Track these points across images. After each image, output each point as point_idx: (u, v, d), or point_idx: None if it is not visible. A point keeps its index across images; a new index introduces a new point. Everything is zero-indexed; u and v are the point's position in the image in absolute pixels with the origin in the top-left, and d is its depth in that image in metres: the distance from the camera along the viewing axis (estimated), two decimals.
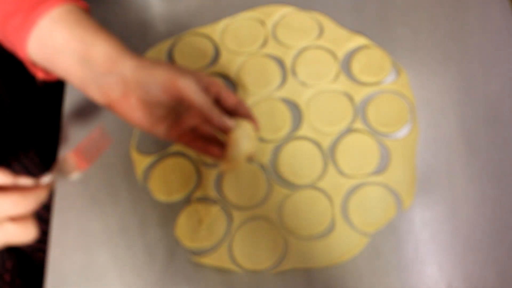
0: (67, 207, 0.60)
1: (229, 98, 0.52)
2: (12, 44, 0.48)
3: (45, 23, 0.46)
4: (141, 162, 0.61)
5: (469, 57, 0.65)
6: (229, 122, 0.49)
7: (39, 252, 0.76)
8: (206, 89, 0.50)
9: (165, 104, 0.49)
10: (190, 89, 0.47)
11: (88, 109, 0.65)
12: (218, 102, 0.52)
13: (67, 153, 0.43)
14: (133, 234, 0.58)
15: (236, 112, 0.52)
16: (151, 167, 0.61)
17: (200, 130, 0.53)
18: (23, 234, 0.38)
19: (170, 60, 0.67)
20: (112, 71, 0.47)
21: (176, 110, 0.50)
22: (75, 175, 0.43)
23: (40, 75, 0.51)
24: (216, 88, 0.51)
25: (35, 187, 0.39)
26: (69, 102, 0.65)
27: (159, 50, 0.68)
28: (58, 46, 0.46)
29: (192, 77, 0.48)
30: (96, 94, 0.48)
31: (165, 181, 0.60)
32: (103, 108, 0.64)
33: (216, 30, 0.68)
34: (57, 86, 0.65)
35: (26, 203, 0.38)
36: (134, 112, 0.48)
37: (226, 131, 0.49)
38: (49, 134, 0.70)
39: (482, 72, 0.64)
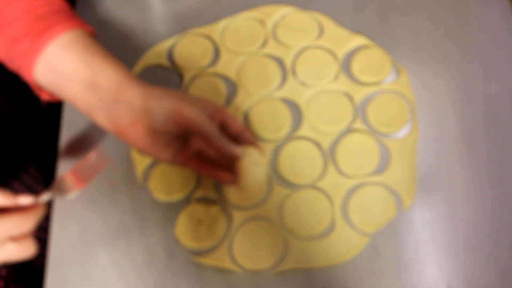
0: (67, 207, 0.60)
1: (234, 125, 0.52)
2: (18, 67, 0.49)
3: (53, 49, 0.47)
4: (141, 162, 0.61)
5: (469, 57, 0.65)
6: (236, 150, 0.50)
7: (39, 256, 0.76)
8: (211, 116, 0.50)
9: (172, 132, 0.50)
10: (197, 119, 0.48)
11: (87, 126, 0.65)
12: (223, 128, 0.52)
13: (65, 173, 0.45)
14: (133, 234, 0.58)
15: (240, 138, 0.52)
16: (151, 167, 0.61)
17: (206, 154, 0.53)
18: (23, 252, 0.40)
19: (170, 60, 0.67)
20: (120, 99, 0.47)
21: (182, 136, 0.51)
22: (72, 194, 0.45)
23: (45, 97, 0.51)
24: (221, 115, 0.52)
25: (34, 206, 0.40)
26: (67, 119, 0.65)
27: (159, 50, 0.68)
28: (66, 72, 0.47)
29: (198, 106, 0.49)
30: (104, 121, 0.49)
31: (165, 181, 0.60)
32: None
33: (216, 30, 0.68)
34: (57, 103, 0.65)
35: (26, 223, 0.39)
36: (142, 139, 0.49)
37: (233, 159, 0.50)
38: (48, 148, 0.70)
39: (482, 72, 0.64)
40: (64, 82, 0.47)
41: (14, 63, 0.49)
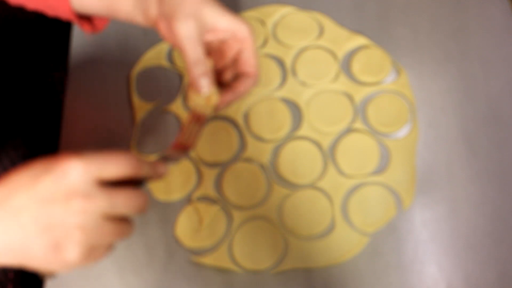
0: None
1: (248, 66, 0.48)
2: (51, 6, 0.48)
3: None
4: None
5: (469, 57, 0.65)
6: (204, 86, 0.46)
7: None
8: (225, 43, 0.47)
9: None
10: (182, 34, 0.45)
11: (87, 126, 0.65)
12: (235, 61, 0.49)
13: (168, 148, 0.46)
14: (133, 234, 0.58)
15: (237, 80, 0.49)
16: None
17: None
18: (135, 201, 0.38)
19: (170, 60, 0.67)
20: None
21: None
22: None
23: (87, 28, 0.51)
24: (243, 46, 0.47)
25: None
26: (68, 118, 0.65)
27: (159, 50, 0.68)
28: None
29: (193, 22, 0.45)
30: (140, 19, 0.48)
31: (165, 181, 0.60)
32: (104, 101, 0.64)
33: None
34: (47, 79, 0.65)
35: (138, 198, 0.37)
36: (169, 34, 0.46)
37: (196, 90, 0.47)
38: (37, 125, 0.70)
39: (482, 72, 0.64)
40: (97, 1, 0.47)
41: (47, 3, 0.49)
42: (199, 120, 0.48)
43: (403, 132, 0.61)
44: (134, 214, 0.38)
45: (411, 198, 0.58)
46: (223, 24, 0.46)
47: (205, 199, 0.59)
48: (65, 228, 0.34)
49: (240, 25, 0.46)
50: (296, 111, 0.63)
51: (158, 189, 0.60)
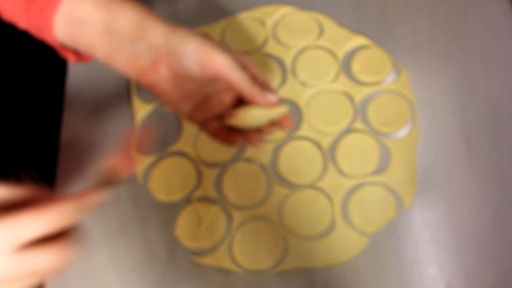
0: None
1: (270, 94, 0.48)
2: (38, 29, 0.47)
3: (68, 0, 0.44)
4: (141, 162, 0.61)
5: (469, 57, 0.65)
6: (273, 97, 0.46)
7: None
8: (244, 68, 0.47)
9: (197, 79, 0.46)
10: (227, 67, 0.44)
11: (87, 127, 0.65)
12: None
13: (108, 161, 0.40)
14: (133, 234, 0.58)
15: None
16: (151, 167, 0.61)
17: (226, 118, 0.49)
18: (56, 257, 0.33)
19: None
20: (140, 38, 0.44)
21: (206, 89, 0.48)
22: (123, 180, 0.40)
23: (71, 58, 0.49)
24: (252, 71, 0.48)
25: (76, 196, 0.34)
26: (67, 119, 0.65)
27: None
28: (82, 19, 0.44)
29: (229, 54, 0.45)
30: (124, 65, 0.45)
31: (165, 181, 0.60)
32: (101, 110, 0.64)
33: (216, 30, 0.68)
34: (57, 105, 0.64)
35: (60, 216, 0.32)
36: (162, 82, 0.45)
37: (267, 105, 0.46)
38: (37, 125, 0.69)
39: (482, 72, 0.64)
40: (81, 30, 0.45)
41: (34, 25, 0.47)
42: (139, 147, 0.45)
43: (403, 132, 0.61)
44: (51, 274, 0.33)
45: (411, 198, 0.58)
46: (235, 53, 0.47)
47: (205, 199, 0.59)
48: None
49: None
50: (296, 111, 0.63)
51: (158, 189, 0.60)
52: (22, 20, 0.47)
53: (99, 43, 0.45)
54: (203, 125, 0.50)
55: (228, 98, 0.48)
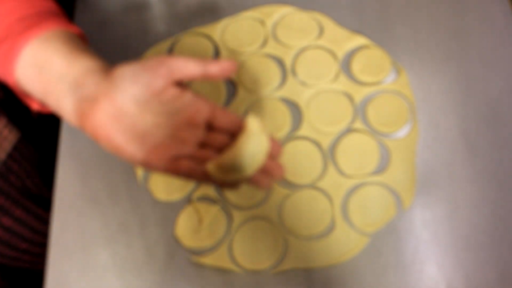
0: (67, 207, 0.60)
1: (229, 118, 0.46)
2: (2, 72, 0.47)
3: (33, 45, 0.44)
4: None
5: (469, 57, 0.65)
6: (252, 121, 0.43)
7: (38, 264, 0.76)
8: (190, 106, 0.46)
9: (154, 110, 0.43)
10: (182, 60, 0.44)
11: None
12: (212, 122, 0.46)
13: None
14: (133, 234, 0.58)
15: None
16: None
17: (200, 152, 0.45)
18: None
19: None
20: (83, 84, 0.43)
21: (173, 125, 0.44)
22: None
23: (34, 107, 0.49)
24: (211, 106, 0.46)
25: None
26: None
27: (159, 50, 0.68)
28: (41, 64, 0.44)
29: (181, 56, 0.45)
30: (70, 112, 0.44)
31: (165, 181, 0.60)
32: None
33: (216, 30, 0.68)
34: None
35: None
36: (105, 123, 0.42)
37: (234, 122, 0.44)
38: (36, 125, 0.69)
39: (482, 72, 0.64)
40: (38, 75, 0.45)
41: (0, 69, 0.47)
42: None
43: (403, 132, 0.61)
44: None
45: (411, 198, 0.58)
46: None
47: (205, 199, 0.59)
48: None
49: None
50: (296, 111, 0.63)
51: (158, 189, 0.60)
52: None
53: (51, 89, 0.44)
54: (170, 167, 0.44)
55: (201, 121, 0.45)
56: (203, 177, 0.44)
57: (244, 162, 0.42)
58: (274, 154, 0.46)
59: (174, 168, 0.44)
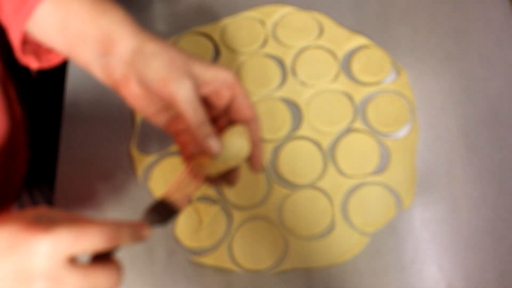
0: (67, 207, 0.60)
1: (244, 110, 0.46)
2: (10, 22, 0.45)
3: (45, 4, 0.43)
4: (141, 162, 0.61)
5: (469, 57, 0.65)
6: (214, 146, 0.43)
7: None
8: (216, 93, 0.45)
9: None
10: (181, 96, 0.42)
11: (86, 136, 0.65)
12: (228, 109, 0.46)
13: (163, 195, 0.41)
14: None
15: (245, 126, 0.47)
16: (151, 167, 0.61)
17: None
18: (116, 279, 0.34)
19: None
20: (110, 53, 0.43)
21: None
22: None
23: (34, 66, 0.48)
24: (234, 92, 0.45)
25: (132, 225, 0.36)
26: (67, 121, 0.65)
27: None
28: (57, 26, 0.43)
29: (190, 81, 0.42)
30: (99, 75, 0.44)
31: (165, 181, 0.60)
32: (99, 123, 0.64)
33: (216, 30, 0.68)
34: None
35: (119, 236, 0.34)
36: (135, 97, 0.44)
37: (208, 155, 0.44)
38: (36, 125, 0.68)
39: (482, 71, 0.64)
40: (54, 37, 0.44)
41: (4, 19, 0.45)
42: (195, 179, 0.44)
43: (403, 132, 0.61)
44: None
45: (411, 198, 0.58)
46: (211, 75, 0.44)
47: (205, 199, 0.59)
48: None
49: (226, 73, 0.45)
50: (296, 111, 0.63)
51: (158, 189, 0.60)
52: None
53: (75, 52, 0.44)
54: (177, 136, 0.47)
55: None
56: (185, 153, 0.47)
57: (230, 157, 0.44)
58: (253, 159, 0.47)
59: (179, 139, 0.47)
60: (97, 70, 0.44)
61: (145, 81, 0.43)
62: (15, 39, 0.45)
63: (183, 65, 0.43)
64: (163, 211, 0.41)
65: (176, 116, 0.46)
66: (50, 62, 0.49)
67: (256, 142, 0.46)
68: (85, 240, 0.32)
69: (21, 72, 0.62)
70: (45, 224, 0.32)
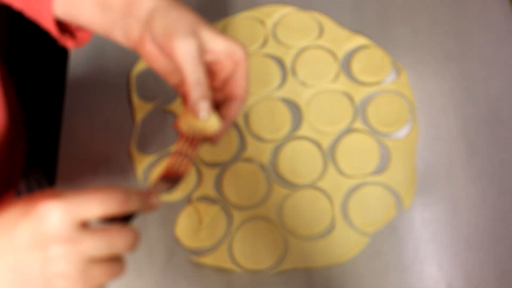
0: None
1: (240, 88, 0.46)
2: (36, 11, 0.47)
3: None
4: (141, 162, 0.61)
5: (469, 57, 0.65)
6: (203, 111, 0.44)
7: None
8: (219, 63, 0.45)
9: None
10: (182, 52, 0.42)
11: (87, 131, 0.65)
12: (225, 82, 0.47)
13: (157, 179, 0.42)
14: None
15: (227, 101, 0.47)
16: (151, 167, 0.61)
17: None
18: (117, 272, 0.35)
19: None
20: (130, 15, 0.44)
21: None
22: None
23: (69, 44, 0.49)
24: (237, 67, 0.45)
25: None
26: (67, 119, 0.65)
27: None
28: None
29: (193, 40, 0.42)
30: (120, 38, 0.46)
31: None
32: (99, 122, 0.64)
33: None
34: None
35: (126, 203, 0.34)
36: (150, 57, 0.45)
37: (194, 114, 0.45)
38: (36, 125, 0.69)
39: (482, 71, 0.64)
40: (78, 8, 0.45)
41: (32, 9, 0.47)
42: (191, 145, 0.45)
43: (403, 132, 0.61)
44: (123, 254, 0.36)
45: (411, 198, 0.58)
46: (220, 45, 0.45)
47: (205, 199, 0.59)
48: (46, 278, 0.32)
49: (236, 47, 0.45)
50: (296, 111, 0.63)
51: None
52: (18, 0, 0.48)
53: (96, 21, 0.46)
54: (186, 99, 0.48)
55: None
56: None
57: (193, 122, 0.45)
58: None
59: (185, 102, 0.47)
60: (118, 33, 0.46)
61: (155, 38, 0.44)
62: (47, 22, 0.46)
63: (190, 24, 0.43)
64: (169, 180, 0.42)
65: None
66: (83, 39, 0.51)
67: (229, 121, 0.47)
68: (95, 204, 0.33)
69: (21, 70, 0.62)
70: (55, 193, 0.33)
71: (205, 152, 0.61)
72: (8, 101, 0.58)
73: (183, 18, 0.43)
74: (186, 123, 0.46)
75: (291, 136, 0.62)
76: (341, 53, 0.66)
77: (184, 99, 0.48)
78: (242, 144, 0.62)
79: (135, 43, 0.45)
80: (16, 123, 0.62)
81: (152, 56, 0.45)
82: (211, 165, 0.61)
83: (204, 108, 0.44)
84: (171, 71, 0.46)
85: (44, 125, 0.76)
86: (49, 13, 0.46)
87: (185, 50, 0.42)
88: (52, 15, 0.46)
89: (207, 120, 0.45)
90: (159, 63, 0.45)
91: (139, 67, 0.67)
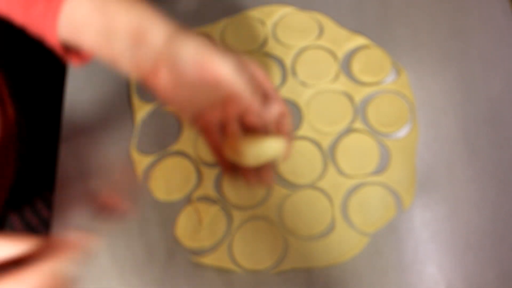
0: (66, 207, 0.60)
1: (274, 103, 0.45)
2: (41, 32, 0.45)
3: (70, 3, 0.43)
4: (141, 162, 0.61)
5: (469, 57, 0.65)
6: (274, 111, 0.42)
7: None
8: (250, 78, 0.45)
9: (197, 85, 0.43)
10: (227, 72, 0.41)
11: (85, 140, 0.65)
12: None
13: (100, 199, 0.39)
14: (133, 234, 0.58)
15: (274, 125, 0.46)
16: (151, 167, 0.61)
17: (227, 127, 0.47)
18: None
19: None
20: (140, 43, 0.43)
21: (210, 96, 0.45)
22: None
23: (75, 62, 0.48)
24: (258, 77, 0.45)
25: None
26: (66, 129, 0.65)
27: None
28: (82, 23, 0.43)
29: (231, 58, 0.42)
30: (128, 68, 0.44)
31: (165, 180, 0.60)
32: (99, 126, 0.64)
33: (216, 30, 0.68)
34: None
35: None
36: (163, 87, 0.44)
37: (267, 125, 0.43)
38: (36, 126, 0.69)
39: (482, 72, 0.64)
40: (83, 34, 0.44)
41: (35, 28, 0.46)
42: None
43: (403, 132, 0.61)
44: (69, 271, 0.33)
45: (411, 198, 0.58)
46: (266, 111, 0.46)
47: (205, 199, 0.59)
48: None
49: (280, 107, 0.46)
50: (296, 111, 0.63)
51: (158, 189, 0.60)
52: (19, 17, 0.46)
53: (101, 47, 0.44)
54: (206, 133, 0.48)
55: (233, 109, 0.46)
56: (216, 148, 0.48)
57: (258, 151, 0.44)
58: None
59: (208, 136, 0.47)
60: (126, 63, 0.44)
61: (178, 66, 0.42)
62: (52, 42, 0.45)
63: (218, 45, 0.43)
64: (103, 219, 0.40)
65: (202, 112, 0.46)
66: (89, 56, 0.49)
67: (289, 135, 0.47)
68: None
69: (21, 70, 0.62)
70: None
71: (205, 152, 0.61)
72: (2, 106, 0.57)
73: (211, 43, 0.43)
74: (248, 155, 0.44)
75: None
76: (341, 53, 0.66)
77: (205, 133, 0.47)
78: None
79: (146, 74, 0.44)
80: (10, 129, 0.61)
81: (164, 87, 0.43)
82: (211, 165, 0.61)
83: (273, 107, 0.43)
84: (185, 103, 0.44)
85: (44, 125, 0.76)
86: (53, 35, 0.44)
87: (228, 69, 0.41)
88: (56, 38, 0.45)
89: (271, 144, 0.44)
90: (172, 94, 0.44)
91: None
